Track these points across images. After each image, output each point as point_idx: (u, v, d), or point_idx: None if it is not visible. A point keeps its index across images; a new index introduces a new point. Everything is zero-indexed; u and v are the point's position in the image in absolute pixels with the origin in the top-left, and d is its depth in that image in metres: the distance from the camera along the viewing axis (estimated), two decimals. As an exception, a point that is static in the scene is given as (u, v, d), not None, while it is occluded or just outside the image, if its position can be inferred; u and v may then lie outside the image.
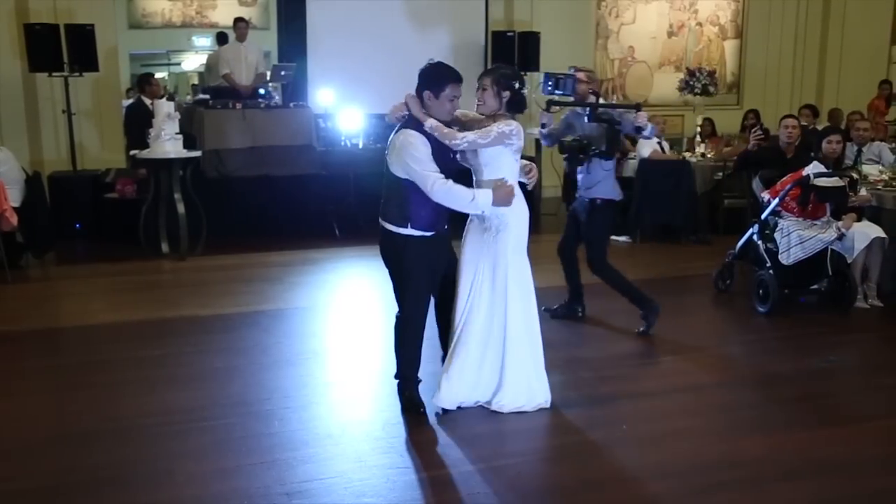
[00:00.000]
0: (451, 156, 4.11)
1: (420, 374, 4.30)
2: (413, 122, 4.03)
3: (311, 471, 3.64)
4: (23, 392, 4.65)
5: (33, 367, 5.11)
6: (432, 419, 4.17)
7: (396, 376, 4.33)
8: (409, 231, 4.07)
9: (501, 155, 4.10)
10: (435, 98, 4.00)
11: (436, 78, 4.03)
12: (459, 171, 4.17)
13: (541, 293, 4.41)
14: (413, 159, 3.96)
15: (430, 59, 4.10)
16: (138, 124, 8.56)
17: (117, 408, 4.35)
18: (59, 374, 4.91)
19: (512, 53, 10.68)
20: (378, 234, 4.18)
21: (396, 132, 4.08)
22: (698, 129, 10.12)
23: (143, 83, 9.71)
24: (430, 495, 3.45)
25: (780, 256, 5.94)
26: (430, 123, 3.98)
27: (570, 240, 5.80)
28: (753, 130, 7.47)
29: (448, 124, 4.05)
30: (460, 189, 4.00)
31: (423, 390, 4.27)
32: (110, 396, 4.52)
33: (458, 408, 4.22)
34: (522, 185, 4.29)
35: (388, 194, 4.12)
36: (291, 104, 9.89)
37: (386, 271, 4.22)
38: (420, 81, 4.05)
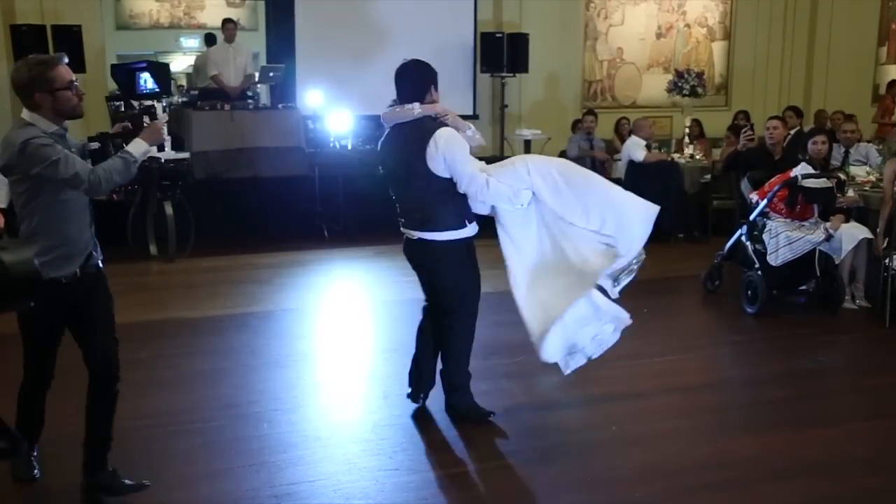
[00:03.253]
0: None
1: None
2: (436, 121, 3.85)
3: (300, 473, 3.63)
4: (9, 394, 4.61)
5: (19, 370, 5.06)
6: (422, 421, 4.16)
7: (455, 387, 4.13)
8: (469, 232, 3.94)
9: None
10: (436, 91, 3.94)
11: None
12: None
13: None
14: (462, 157, 3.79)
15: (405, 59, 3.97)
16: (125, 125, 8.52)
17: (105, 411, 4.32)
18: (46, 377, 4.86)
19: (501, 55, 10.69)
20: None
21: (423, 131, 3.79)
22: (686, 130, 10.15)
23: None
24: (418, 498, 3.44)
25: (768, 257, 5.96)
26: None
27: None
28: (744, 131, 7.49)
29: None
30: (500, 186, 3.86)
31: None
32: (97, 399, 4.49)
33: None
34: None
35: (430, 200, 3.87)
36: (280, 105, 9.88)
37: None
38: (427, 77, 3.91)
